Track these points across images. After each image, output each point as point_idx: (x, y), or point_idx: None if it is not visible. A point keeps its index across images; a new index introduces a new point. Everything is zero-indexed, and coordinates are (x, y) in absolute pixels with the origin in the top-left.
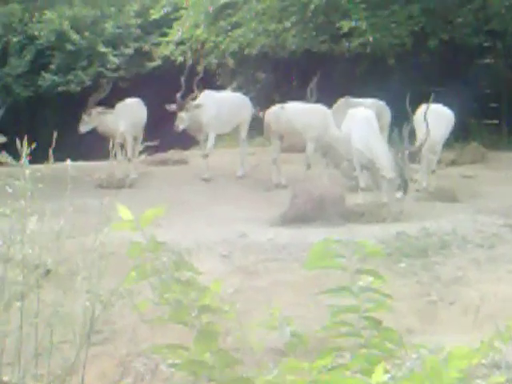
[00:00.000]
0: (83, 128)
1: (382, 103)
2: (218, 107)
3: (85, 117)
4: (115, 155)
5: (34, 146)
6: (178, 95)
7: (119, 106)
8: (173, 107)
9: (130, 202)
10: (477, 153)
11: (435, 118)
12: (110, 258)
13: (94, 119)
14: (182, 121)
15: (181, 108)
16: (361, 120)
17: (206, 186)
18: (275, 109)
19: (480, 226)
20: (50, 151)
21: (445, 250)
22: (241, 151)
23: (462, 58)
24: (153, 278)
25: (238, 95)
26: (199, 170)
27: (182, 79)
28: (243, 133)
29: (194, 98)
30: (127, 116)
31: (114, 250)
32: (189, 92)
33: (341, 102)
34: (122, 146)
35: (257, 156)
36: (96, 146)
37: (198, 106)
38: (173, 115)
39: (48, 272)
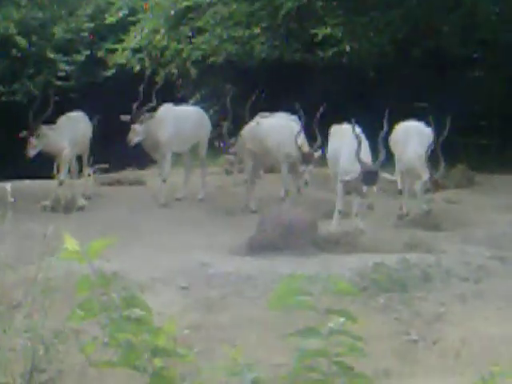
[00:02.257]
0: (32, 152)
1: (201, 110)
2: (177, 123)
3: (33, 140)
4: (58, 176)
5: None
6: (134, 106)
7: (61, 120)
8: (127, 118)
9: (79, 228)
10: (463, 176)
11: (412, 137)
12: (55, 293)
13: (42, 140)
14: (136, 134)
15: (135, 119)
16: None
17: (164, 209)
18: (251, 125)
19: (466, 258)
20: None
21: (427, 283)
22: (201, 172)
23: (449, 70)
24: (101, 316)
25: (198, 109)
26: (157, 191)
27: (141, 88)
28: (202, 151)
29: (152, 110)
30: (71, 132)
31: (59, 283)
32: (147, 103)
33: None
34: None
35: (220, 176)
36: (42, 162)
37: (151, 117)
38: (128, 129)
39: None
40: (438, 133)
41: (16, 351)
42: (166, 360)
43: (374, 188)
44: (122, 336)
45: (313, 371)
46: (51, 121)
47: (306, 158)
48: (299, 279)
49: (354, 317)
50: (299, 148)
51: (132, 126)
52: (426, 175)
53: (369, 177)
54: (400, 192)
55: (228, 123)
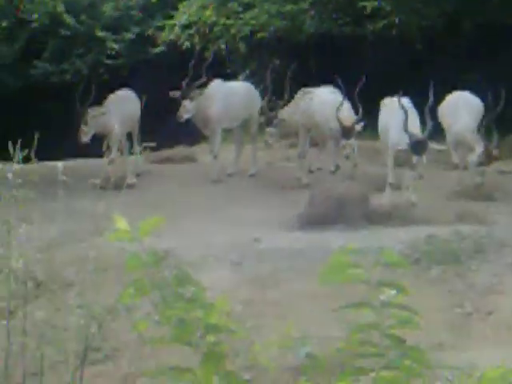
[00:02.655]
0: (85, 139)
1: (252, 86)
2: (227, 99)
3: (83, 127)
4: (108, 154)
5: (25, 152)
6: (184, 82)
7: (110, 99)
8: (177, 94)
9: (129, 206)
10: None
11: (461, 106)
12: (106, 271)
13: (92, 125)
14: (186, 110)
15: (185, 95)
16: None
17: (215, 185)
18: (303, 100)
19: None
20: (32, 153)
21: (480, 255)
22: (252, 147)
23: (500, 42)
24: (153, 294)
25: (248, 85)
26: (208, 167)
27: (191, 64)
28: (254, 127)
29: (202, 86)
30: (119, 111)
31: (111, 261)
32: (196, 79)
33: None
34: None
35: (271, 152)
36: (93, 140)
37: (201, 93)
38: (179, 106)
39: (38, 285)
40: (489, 103)
41: (69, 329)
42: (218, 336)
43: (424, 158)
44: (173, 313)
45: (365, 344)
46: (100, 99)
47: (345, 132)
48: (350, 252)
49: (406, 289)
50: (339, 121)
51: (182, 102)
52: (479, 147)
53: (417, 146)
54: (456, 166)
55: (268, 97)
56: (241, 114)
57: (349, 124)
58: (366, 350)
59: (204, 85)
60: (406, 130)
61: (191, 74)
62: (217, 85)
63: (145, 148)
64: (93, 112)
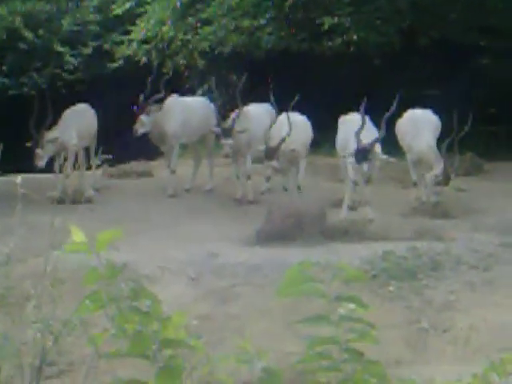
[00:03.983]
0: (41, 162)
1: (208, 102)
2: (184, 115)
3: (39, 151)
4: (65, 168)
5: None
6: (141, 97)
7: (66, 114)
8: (135, 110)
9: (87, 220)
10: (472, 163)
11: (421, 125)
12: (64, 285)
13: (47, 149)
14: (142, 125)
15: (142, 110)
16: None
17: (172, 201)
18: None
19: (475, 245)
20: None
21: (436, 271)
22: (209, 162)
23: (456, 58)
24: (109, 308)
25: (205, 101)
26: (165, 182)
27: (149, 79)
28: (210, 142)
29: (160, 101)
30: (76, 125)
31: (68, 275)
32: (154, 94)
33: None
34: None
35: (228, 168)
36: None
37: (159, 109)
38: (136, 120)
39: None
40: (446, 121)
41: (26, 343)
42: (175, 350)
43: (373, 171)
44: (130, 327)
45: (323, 358)
46: (58, 113)
47: (268, 152)
48: (308, 266)
49: (365, 303)
50: (266, 141)
51: (139, 116)
52: (439, 166)
53: (360, 154)
54: (414, 183)
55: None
56: (198, 129)
57: (273, 145)
58: (324, 364)
59: (161, 100)
60: (358, 138)
61: (148, 89)
62: (173, 100)
63: (102, 161)
64: (50, 134)
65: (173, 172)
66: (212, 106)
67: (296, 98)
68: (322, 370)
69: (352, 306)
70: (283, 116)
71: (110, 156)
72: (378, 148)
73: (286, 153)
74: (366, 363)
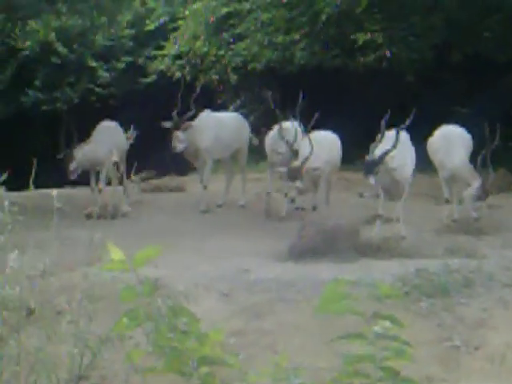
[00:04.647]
0: (73, 175)
1: (241, 117)
2: (217, 130)
3: (72, 165)
4: (99, 184)
5: (5, 174)
6: (174, 113)
7: (98, 129)
8: (168, 124)
9: (122, 235)
10: (504, 180)
11: (454, 141)
12: (99, 300)
13: (79, 161)
14: (180, 140)
15: (177, 126)
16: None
17: (205, 216)
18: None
19: (508, 263)
20: (31, 180)
21: (469, 288)
22: (242, 178)
23: (489, 74)
24: (146, 324)
25: (237, 116)
26: (198, 197)
27: (179, 95)
28: (243, 158)
29: (192, 118)
30: (107, 141)
31: (103, 290)
32: (185, 110)
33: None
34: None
35: (261, 183)
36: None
37: (191, 127)
38: (169, 136)
39: (31, 313)
40: (479, 138)
41: (60, 357)
42: (212, 367)
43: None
44: (167, 343)
45: (360, 376)
46: (90, 128)
47: (291, 174)
48: (344, 284)
49: (400, 321)
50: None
51: (174, 132)
52: (477, 182)
53: (368, 166)
54: (447, 200)
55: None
56: (230, 144)
57: (294, 166)
58: (360, 382)
59: (193, 117)
60: (371, 149)
61: (179, 104)
62: (206, 116)
63: (143, 177)
64: (80, 149)
65: (205, 187)
66: (245, 121)
67: (316, 115)
68: None
69: (387, 323)
70: (306, 135)
71: (154, 172)
72: (394, 163)
73: (309, 172)
74: (402, 381)
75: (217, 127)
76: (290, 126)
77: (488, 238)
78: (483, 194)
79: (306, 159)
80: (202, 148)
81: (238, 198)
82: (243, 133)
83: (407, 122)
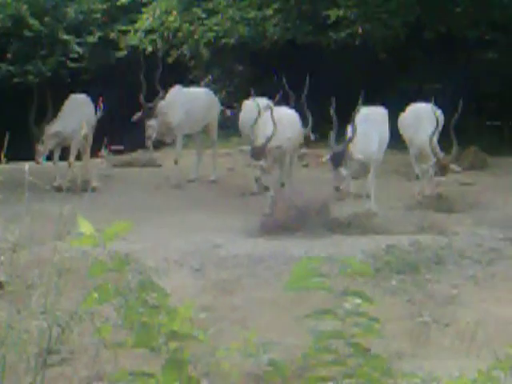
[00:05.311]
0: (41, 158)
1: (211, 92)
2: (187, 105)
3: (40, 147)
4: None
5: None
6: (142, 99)
7: (65, 106)
8: (138, 116)
9: (93, 209)
10: (476, 158)
11: (423, 119)
12: (69, 274)
13: (47, 144)
14: (154, 129)
15: (150, 116)
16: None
17: (177, 191)
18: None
19: (478, 240)
20: (2, 153)
21: (439, 265)
22: (212, 153)
23: (461, 52)
24: (116, 300)
25: (208, 91)
26: (170, 172)
27: (142, 76)
28: (213, 133)
29: (162, 98)
30: (76, 115)
31: (73, 264)
32: (150, 90)
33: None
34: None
35: (232, 158)
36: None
37: (161, 98)
38: (140, 110)
39: (1, 287)
40: (450, 114)
41: (30, 332)
42: (181, 342)
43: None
44: (137, 318)
45: (329, 353)
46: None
47: (254, 153)
48: (314, 261)
49: (370, 298)
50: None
51: (147, 122)
52: (432, 159)
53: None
54: (417, 177)
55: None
56: (201, 120)
57: (257, 145)
58: (329, 358)
59: (163, 97)
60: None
61: (144, 85)
62: (176, 91)
63: (112, 151)
64: (51, 131)
65: (176, 162)
66: (215, 96)
67: (277, 97)
68: (327, 364)
69: (357, 300)
70: (268, 112)
71: (121, 147)
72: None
73: (272, 150)
74: (370, 357)
75: (187, 102)
76: (252, 103)
77: (459, 215)
78: (440, 170)
79: (269, 138)
80: (173, 123)
81: (210, 173)
82: (213, 108)
83: (359, 105)
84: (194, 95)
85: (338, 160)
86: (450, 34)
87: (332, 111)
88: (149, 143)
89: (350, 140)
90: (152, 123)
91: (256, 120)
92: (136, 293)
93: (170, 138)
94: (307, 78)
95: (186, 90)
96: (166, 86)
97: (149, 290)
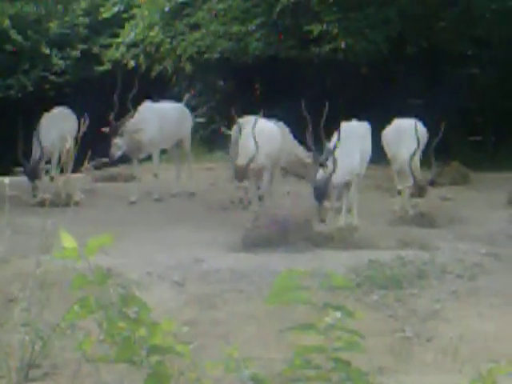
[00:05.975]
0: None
1: (183, 106)
2: (160, 121)
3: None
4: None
5: None
6: (111, 117)
7: (45, 118)
8: (106, 130)
9: (75, 223)
10: (458, 173)
11: (406, 135)
12: (51, 288)
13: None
14: (118, 148)
15: (115, 133)
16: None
17: (158, 205)
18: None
19: (460, 255)
20: None
21: (421, 280)
22: (188, 166)
23: (444, 67)
24: (98, 313)
25: (179, 106)
26: (151, 187)
27: (115, 95)
28: (187, 147)
29: (131, 117)
30: (56, 129)
31: (55, 278)
32: (134, 101)
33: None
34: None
35: (214, 172)
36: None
37: (137, 131)
38: (108, 142)
39: None
40: (433, 130)
41: (12, 346)
42: (163, 356)
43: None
44: (119, 332)
45: (311, 367)
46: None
47: (237, 173)
48: (296, 274)
49: (352, 312)
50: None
51: (113, 140)
52: (411, 180)
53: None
54: (399, 192)
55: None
56: (173, 135)
57: (239, 165)
58: (311, 373)
59: (132, 116)
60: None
61: (117, 104)
62: (147, 107)
63: (97, 165)
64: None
65: (156, 176)
66: (187, 110)
67: (260, 114)
68: (310, 379)
69: (339, 314)
70: (248, 129)
71: (107, 159)
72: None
73: (254, 170)
74: (353, 372)
75: (159, 118)
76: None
77: (441, 231)
78: (418, 191)
79: (251, 159)
80: (144, 140)
81: (189, 186)
82: (186, 122)
83: (322, 121)
84: (166, 111)
85: (321, 195)
86: (432, 49)
87: (305, 112)
88: (112, 159)
89: (331, 174)
90: (117, 141)
91: (237, 139)
92: (117, 306)
93: (142, 155)
94: (327, 104)
95: (156, 105)
96: (149, 100)
97: (130, 303)
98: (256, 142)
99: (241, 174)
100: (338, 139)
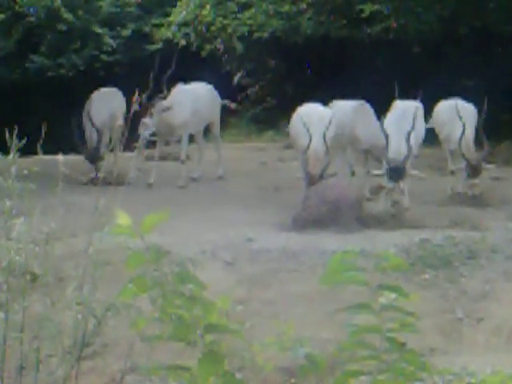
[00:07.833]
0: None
1: (212, 88)
2: (193, 104)
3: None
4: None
5: (24, 140)
6: (137, 98)
7: (95, 97)
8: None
9: (128, 202)
10: (509, 152)
11: (455, 116)
12: (104, 266)
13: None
14: (146, 127)
15: (145, 112)
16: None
17: (210, 184)
18: None
19: (511, 235)
20: (38, 146)
21: (472, 260)
22: (217, 149)
23: (495, 47)
24: (153, 292)
25: (210, 88)
26: (205, 165)
27: (151, 75)
28: (216, 129)
29: (163, 98)
30: (106, 107)
31: (109, 257)
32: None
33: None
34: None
35: (264, 152)
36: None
37: (167, 109)
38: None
39: (35, 279)
40: (484, 110)
41: (64, 324)
42: (218, 335)
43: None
44: (173, 311)
45: (365, 347)
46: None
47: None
48: (350, 255)
49: (407, 293)
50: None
51: (142, 119)
52: (466, 161)
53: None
54: (451, 172)
55: None
56: (206, 118)
57: (314, 173)
58: (365, 353)
59: (165, 97)
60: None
61: (151, 84)
62: (181, 91)
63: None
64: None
65: (183, 162)
66: (216, 91)
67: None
68: (362, 359)
69: (393, 295)
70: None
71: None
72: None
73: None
74: (407, 353)
75: (192, 101)
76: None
77: (492, 210)
78: (473, 172)
79: (325, 167)
80: (177, 123)
81: (216, 169)
82: (216, 104)
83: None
84: (199, 94)
85: (400, 175)
86: (485, 30)
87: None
88: (140, 141)
89: (406, 157)
90: (146, 121)
91: (298, 132)
92: (173, 285)
93: (172, 138)
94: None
95: (189, 88)
96: (200, 80)
97: (185, 281)
98: (327, 148)
99: (314, 182)
100: (392, 118)
